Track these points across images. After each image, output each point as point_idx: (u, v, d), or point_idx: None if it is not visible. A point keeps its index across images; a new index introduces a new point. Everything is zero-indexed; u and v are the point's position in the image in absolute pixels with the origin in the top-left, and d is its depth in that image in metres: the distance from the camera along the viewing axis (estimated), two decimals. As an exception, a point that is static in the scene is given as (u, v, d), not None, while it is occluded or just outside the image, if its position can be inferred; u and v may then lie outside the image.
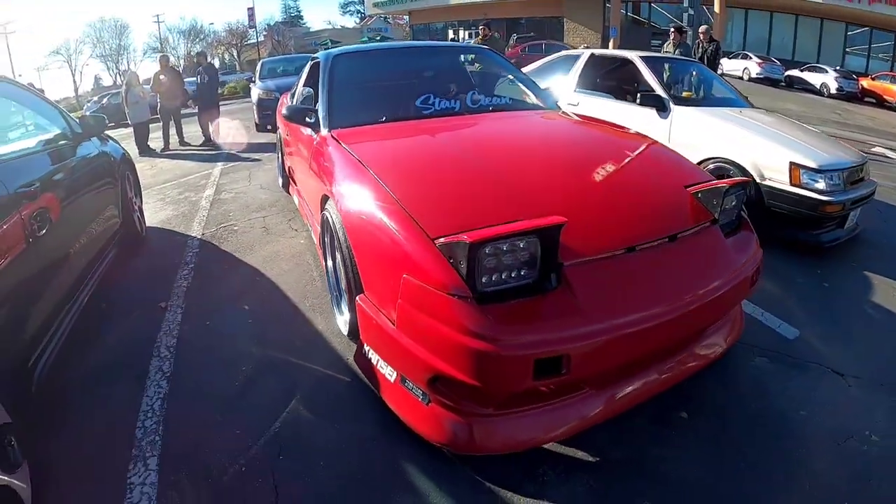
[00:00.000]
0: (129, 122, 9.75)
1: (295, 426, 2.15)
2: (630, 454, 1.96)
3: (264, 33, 52.70)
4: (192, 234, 4.65)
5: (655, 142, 2.83)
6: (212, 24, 75.90)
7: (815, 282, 3.51)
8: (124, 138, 7.53)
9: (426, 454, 1.92)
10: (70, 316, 2.61)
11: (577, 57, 5.64)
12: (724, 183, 2.17)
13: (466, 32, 36.72)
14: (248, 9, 45.49)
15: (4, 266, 1.98)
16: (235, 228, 4.70)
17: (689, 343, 2.06)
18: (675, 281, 1.85)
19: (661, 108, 4.48)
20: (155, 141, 9.91)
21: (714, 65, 9.06)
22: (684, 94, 5.03)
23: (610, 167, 2.37)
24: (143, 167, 8.28)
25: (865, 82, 20.28)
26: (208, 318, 3.10)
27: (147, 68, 48.49)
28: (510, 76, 3.79)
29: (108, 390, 2.48)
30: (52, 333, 2.37)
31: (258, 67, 12.16)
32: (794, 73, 21.82)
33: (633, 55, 4.97)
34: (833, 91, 19.38)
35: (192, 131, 10.16)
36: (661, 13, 27.99)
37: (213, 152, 8.99)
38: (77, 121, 3.72)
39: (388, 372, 1.95)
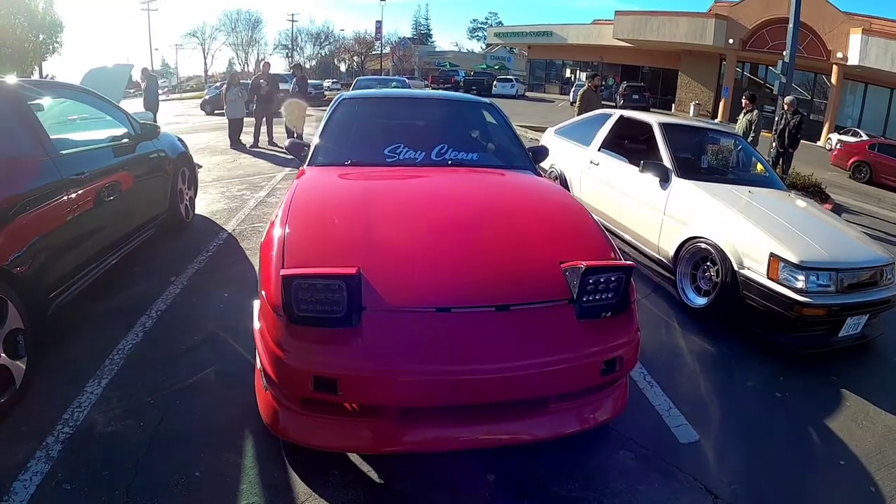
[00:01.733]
0: (225, 115, 10.90)
1: (201, 384, 2.77)
2: (416, 493, 2.14)
3: (391, 46, 55.64)
4: (227, 228, 5.31)
5: (583, 215, 2.81)
6: (342, 30, 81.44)
7: (767, 389, 3.25)
8: (219, 128, 8.51)
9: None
10: (94, 272, 3.35)
11: (608, 116, 5.70)
12: (598, 263, 2.20)
13: (584, 74, 36.95)
14: (377, 21, 48.85)
15: (55, 225, 2.89)
16: (260, 229, 5.26)
17: (518, 412, 2.10)
18: (482, 348, 1.94)
19: (664, 178, 4.45)
20: (247, 136, 11.01)
21: (795, 138, 8.68)
22: (706, 165, 5.01)
23: (495, 233, 2.49)
24: (227, 160, 9.29)
25: None
26: (196, 296, 3.79)
27: (276, 63, 52.88)
28: (503, 134, 3.93)
29: (101, 331, 3.22)
30: (75, 280, 3.11)
31: (354, 82, 13.22)
32: None
33: (654, 120, 4.96)
34: None
35: (281, 132, 11.17)
36: (777, 75, 26.60)
37: (290, 156, 9.80)
38: (140, 123, 4.49)
39: (256, 362, 2.32)
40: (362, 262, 2.04)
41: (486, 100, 4.48)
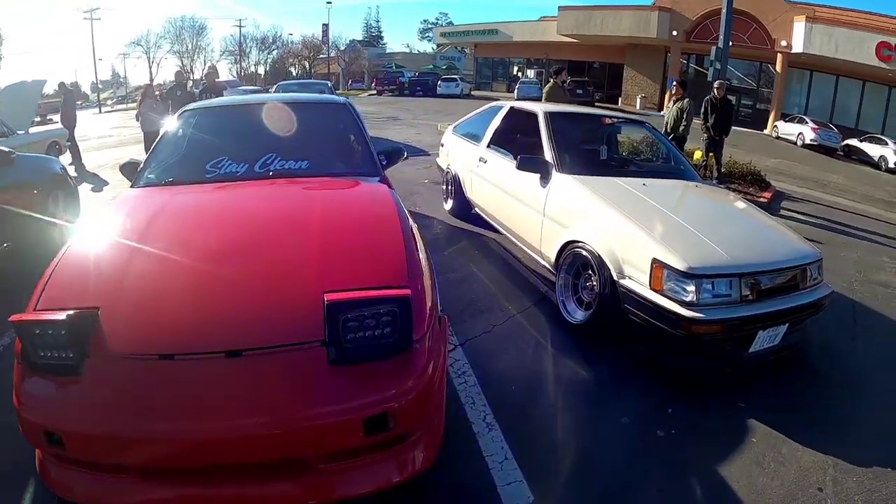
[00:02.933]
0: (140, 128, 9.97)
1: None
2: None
3: (336, 51, 54.83)
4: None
5: (391, 232, 2.30)
6: (291, 34, 79.53)
7: (647, 426, 2.61)
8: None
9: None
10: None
11: (499, 109, 5.07)
12: (355, 295, 1.78)
13: (531, 71, 36.64)
14: (323, 25, 48.29)
15: None
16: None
17: (281, 472, 1.78)
18: (212, 401, 1.69)
19: (544, 175, 3.80)
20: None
21: (726, 125, 8.23)
22: (604, 157, 4.41)
23: (264, 260, 2.13)
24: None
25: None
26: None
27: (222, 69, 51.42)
28: (350, 137, 3.52)
29: None
30: None
31: (274, 88, 12.44)
32: (853, 142, 19.71)
33: (540, 109, 4.32)
34: (891, 165, 17.22)
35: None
36: (712, 61, 26.74)
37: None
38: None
39: None
40: (103, 300, 1.87)
41: (341, 100, 4.01)
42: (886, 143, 18.04)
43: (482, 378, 2.85)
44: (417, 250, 2.23)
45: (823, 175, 13.63)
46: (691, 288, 2.79)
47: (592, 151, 4.48)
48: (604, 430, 2.59)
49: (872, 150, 18.59)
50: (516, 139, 4.81)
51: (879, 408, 2.95)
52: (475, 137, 5.21)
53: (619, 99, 30.56)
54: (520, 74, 37.52)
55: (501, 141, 4.83)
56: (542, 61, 34.40)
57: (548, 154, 3.91)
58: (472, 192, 4.99)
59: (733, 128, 9.06)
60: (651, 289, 2.91)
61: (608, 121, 5.03)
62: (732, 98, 12.23)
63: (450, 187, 5.67)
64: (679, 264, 2.81)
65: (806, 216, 7.59)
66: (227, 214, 2.69)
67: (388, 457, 1.86)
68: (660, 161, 4.79)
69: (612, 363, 3.14)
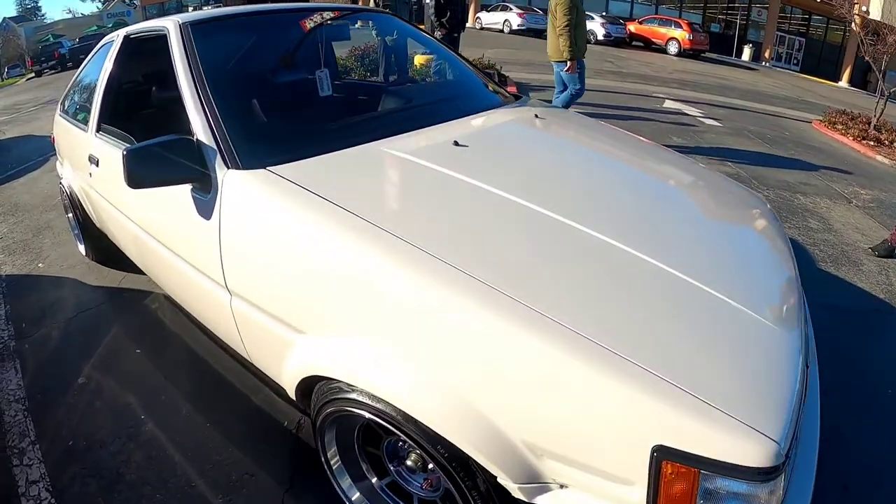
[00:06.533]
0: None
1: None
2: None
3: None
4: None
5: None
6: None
7: None
8: None
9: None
10: None
11: (109, 46, 2.39)
12: None
13: (208, 7, 31.45)
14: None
15: None
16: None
17: None
18: None
19: (198, 182, 1.44)
20: None
21: (460, 18, 6.42)
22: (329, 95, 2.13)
23: None
24: None
25: (633, 26, 19.81)
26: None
27: None
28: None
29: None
30: None
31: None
32: None
33: (170, 24, 1.81)
34: (601, 37, 18.45)
35: None
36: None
37: None
38: None
39: None
40: None
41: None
42: (592, 18, 18.69)
43: None
44: None
45: (544, 56, 13.20)
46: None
47: (305, 95, 2.13)
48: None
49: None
50: (146, 105, 2.24)
51: None
52: (83, 114, 2.47)
53: None
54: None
55: (119, 114, 2.20)
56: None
57: (198, 125, 1.50)
58: (102, 223, 2.38)
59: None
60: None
61: (312, 22, 2.36)
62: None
63: (76, 214, 2.87)
64: (757, 452, 0.85)
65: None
66: None
67: None
68: (440, 83, 2.65)
69: None
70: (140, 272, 2.47)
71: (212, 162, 1.44)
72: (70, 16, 57.28)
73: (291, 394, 1.38)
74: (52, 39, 36.98)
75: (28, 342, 2.46)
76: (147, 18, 34.91)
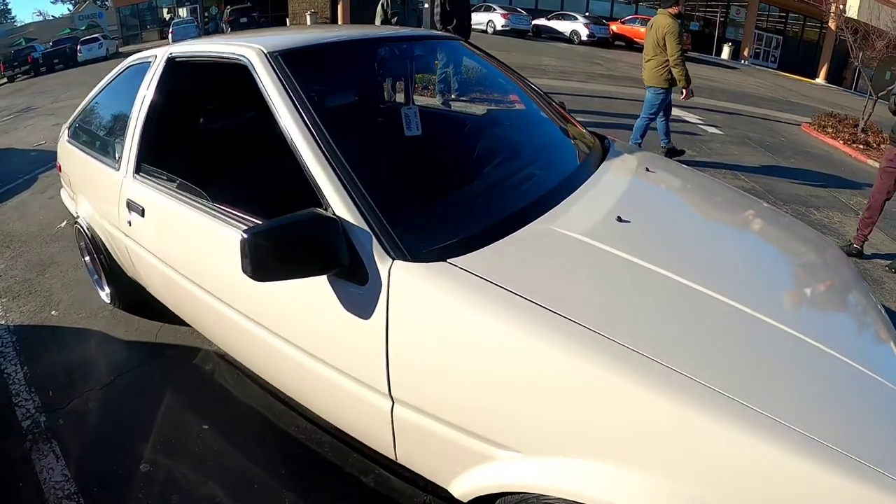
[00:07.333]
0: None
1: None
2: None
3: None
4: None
5: None
6: None
7: None
8: None
9: None
10: None
11: (145, 68, 2.15)
12: None
13: (184, 9, 30.78)
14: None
15: None
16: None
17: None
18: None
19: (353, 274, 1.23)
20: None
21: (465, 24, 6.40)
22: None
23: None
24: None
25: (615, 26, 20.11)
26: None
27: None
28: None
29: None
30: None
31: None
32: (541, 21, 20.68)
33: (251, 51, 1.54)
34: (584, 38, 18.68)
35: None
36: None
37: None
38: None
39: None
40: None
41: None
42: (576, 18, 19.15)
43: None
44: None
45: (536, 59, 13.30)
46: None
47: (437, 153, 1.98)
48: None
49: (563, 26, 19.82)
50: (211, 148, 2.12)
51: None
52: (109, 147, 2.33)
53: (287, 20, 26.81)
54: (171, 16, 31.57)
55: (169, 155, 2.00)
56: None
57: (335, 200, 1.27)
58: (143, 279, 2.25)
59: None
60: None
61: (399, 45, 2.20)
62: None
63: (97, 259, 2.66)
64: None
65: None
66: None
67: None
68: (535, 127, 2.32)
69: None
70: (178, 320, 2.22)
71: (367, 249, 1.21)
72: (41, 18, 56.13)
73: (460, 497, 1.25)
74: (24, 43, 36.12)
75: (62, 417, 2.07)
76: (120, 21, 34.18)
